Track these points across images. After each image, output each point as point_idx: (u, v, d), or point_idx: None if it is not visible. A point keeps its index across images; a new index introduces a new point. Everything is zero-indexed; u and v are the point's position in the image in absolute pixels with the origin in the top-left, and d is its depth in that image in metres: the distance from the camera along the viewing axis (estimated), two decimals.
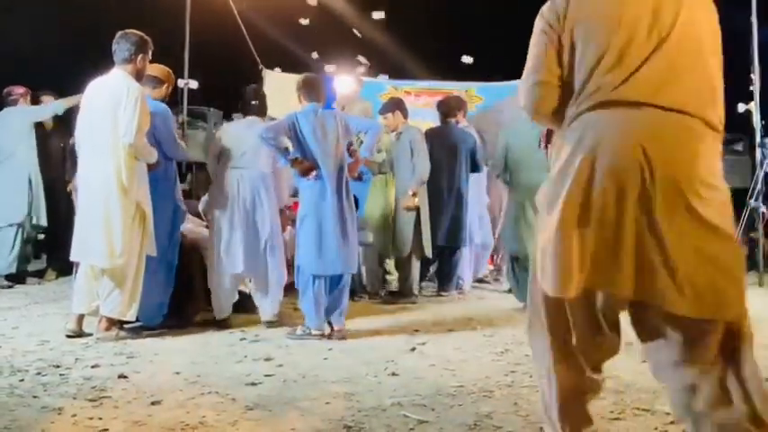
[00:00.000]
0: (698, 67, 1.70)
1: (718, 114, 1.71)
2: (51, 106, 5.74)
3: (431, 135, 5.61)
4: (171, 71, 4.17)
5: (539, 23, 1.86)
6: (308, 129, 3.83)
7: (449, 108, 5.84)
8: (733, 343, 1.65)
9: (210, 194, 4.30)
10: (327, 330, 3.82)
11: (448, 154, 5.57)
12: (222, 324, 4.06)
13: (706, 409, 1.66)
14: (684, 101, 1.66)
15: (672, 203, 1.61)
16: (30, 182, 5.64)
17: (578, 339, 1.82)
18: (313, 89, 3.99)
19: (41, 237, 6.30)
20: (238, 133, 4.22)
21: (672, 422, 2.46)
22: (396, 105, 5.43)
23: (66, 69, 5.91)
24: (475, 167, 5.79)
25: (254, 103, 4.36)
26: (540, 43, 1.82)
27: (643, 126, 1.65)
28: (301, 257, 3.82)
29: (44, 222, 5.77)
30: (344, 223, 3.82)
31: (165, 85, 4.07)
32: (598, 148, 1.67)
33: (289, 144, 3.94)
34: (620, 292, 1.70)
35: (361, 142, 4.40)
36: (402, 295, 5.18)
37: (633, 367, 3.27)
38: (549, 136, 2.00)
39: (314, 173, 3.79)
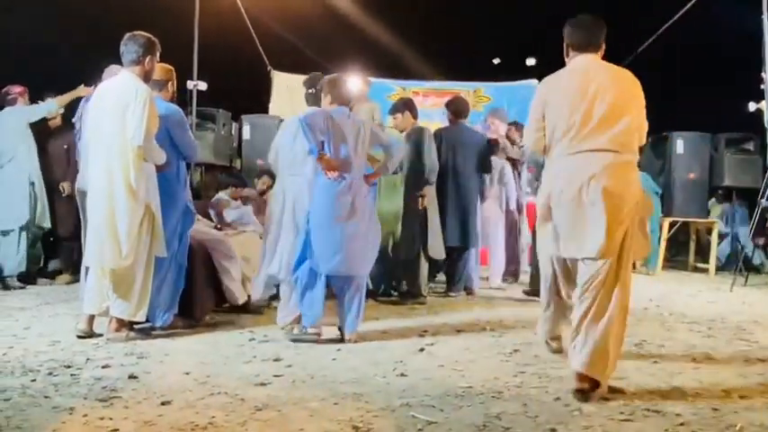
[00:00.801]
0: (626, 121, 2.88)
1: (640, 142, 2.99)
2: (44, 105, 5.72)
3: (440, 135, 5.60)
4: (171, 68, 4.09)
5: (536, 95, 3.10)
6: (341, 127, 3.83)
7: (458, 108, 5.82)
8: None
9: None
10: (322, 330, 3.79)
11: (457, 154, 5.57)
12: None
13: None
14: (620, 143, 2.86)
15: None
16: (32, 184, 5.67)
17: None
18: (344, 91, 3.98)
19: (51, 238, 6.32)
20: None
21: (682, 423, 2.45)
22: (405, 106, 5.41)
23: (73, 71, 5.92)
24: (485, 168, 5.80)
25: (310, 91, 4.25)
26: (536, 110, 3.04)
27: (596, 163, 2.83)
28: (309, 254, 3.79)
29: (47, 224, 5.79)
30: (358, 226, 3.81)
31: (170, 83, 4.04)
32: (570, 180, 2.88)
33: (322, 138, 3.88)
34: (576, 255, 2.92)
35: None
36: (411, 296, 5.18)
37: (643, 368, 3.27)
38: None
39: (337, 172, 3.78)
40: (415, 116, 5.35)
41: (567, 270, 3.03)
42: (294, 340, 3.72)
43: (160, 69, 3.93)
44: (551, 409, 2.59)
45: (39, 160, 5.79)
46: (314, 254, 3.75)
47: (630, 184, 2.85)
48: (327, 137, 3.80)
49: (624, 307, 2.85)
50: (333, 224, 3.74)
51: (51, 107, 5.68)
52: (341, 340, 3.76)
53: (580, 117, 2.84)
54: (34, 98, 5.90)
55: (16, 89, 5.81)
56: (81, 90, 5.49)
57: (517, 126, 6.52)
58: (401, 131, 5.29)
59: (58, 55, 8.16)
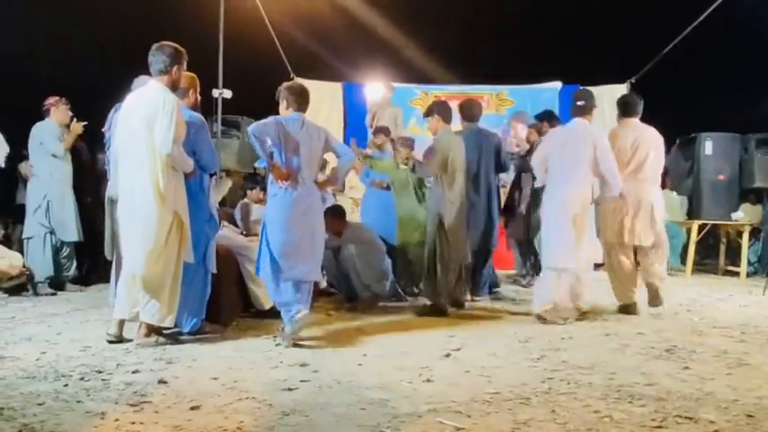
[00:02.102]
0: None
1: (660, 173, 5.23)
2: (53, 146, 5.74)
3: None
4: (194, 76, 4.13)
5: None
6: (292, 135, 3.90)
7: (472, 111, 5.81)
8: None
9: None
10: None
11: (477, 156, 5.55)
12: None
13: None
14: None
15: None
16: (48, 201, 5.77)
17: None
18: (301, 98, 4.04)
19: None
20: None
21: (716, 431, 2.40)
22: (434, 109, 5.23)
23: (99, 82, 6.05)
24: (502, 168, 5.82)
25: (579, 104, 4.98)
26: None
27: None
28: (265, 262, 3.91)
29: (70, 238, 5.88)
30: (311, 231, 3.92)
31: (191, 91, 4.06)
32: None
33: (272, 147, 3.94)
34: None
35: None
36: (434, 308, 4.95)
37: (674, 374, 3.21)
38: None
39: (289, 181, 3.85)
40: (445, 118, 5.16)
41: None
42: (295, 345, 3.77)
43: (182, 77, 4.00)
44: (580, 416, 2.56)
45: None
46: (272, 261, 3.86)
47: None
48: (278, 146, 3.88)
49: None
50: (287, 231, 3.85)
51: (59, 151, 5.77)
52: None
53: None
54: (75, 107, 6.00)
55: (50, 100, 5.90)
56: (77, 128, 5.75)
57: (537, 127, 6.46)
58: (433, 134, 5.18)
59: (91, 68, 8.34)
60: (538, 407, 2.67)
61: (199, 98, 4.17)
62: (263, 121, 3.95)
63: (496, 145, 5.72)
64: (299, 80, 10.55)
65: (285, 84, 4.13)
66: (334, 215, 5.19)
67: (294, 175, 3.88)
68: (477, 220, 5.50)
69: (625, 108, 5.22)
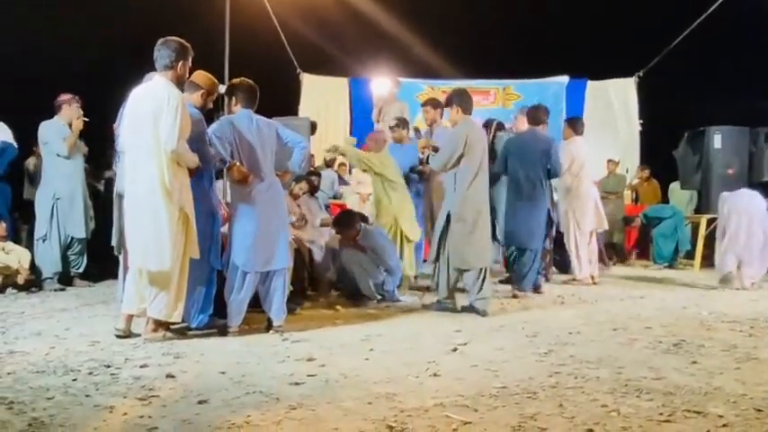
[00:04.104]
0: None
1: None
2: (58, 146, 5.77)
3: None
4: (215, 81, 4.19)
5: None
6: (245, 134, 3.94)
7: (537, 117, 5.98)
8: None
9: None
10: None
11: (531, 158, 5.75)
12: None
13: None
14: None
15: None
16: (57, 199, 5.82)
17: None
18: (251, 95, 4.08)
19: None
20: None
21: (725, 425, 2.39)
22: (453, 99, 4.92)
23: (105, 79, 6.07)
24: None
25: None
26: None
27: None
28: (235, 255, 3.94)
29: (78, 234, 5.93)
30: (275, 223, 3.97)
31: (201, 93, 4.05)
32: None
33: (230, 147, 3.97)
34: None
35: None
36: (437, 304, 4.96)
37: (682, 368, 3.20)
38: None
39: (250, 179, 3.91)
40: (464, 109, 4.85)
41: None
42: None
43: (203, 76, 4.07)
44: (588, 410, 2.55)
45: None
46: (238, 253, 3.92)
47: None
48: (234, 145, 3.93)
49: None
50: (253, 224, 3.91)
51: (63, 152, 5.81)
52: (269, 328, 4.00)
53: None
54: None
55: (63, 97, 5.92)
56: (78, 124, 5.79)
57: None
58: (453, 125, 4.96)
59: (90, 64, 8.36)
60: (545, 401, 2.66)
61: (209, 105, 4.19)
62: (218, 122, 4.04)
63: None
64: (306, 75, 10.57)
65: (234, 80, 4.20)
66: (346, 225, 5.21)
67: (253, 174, 3.93)
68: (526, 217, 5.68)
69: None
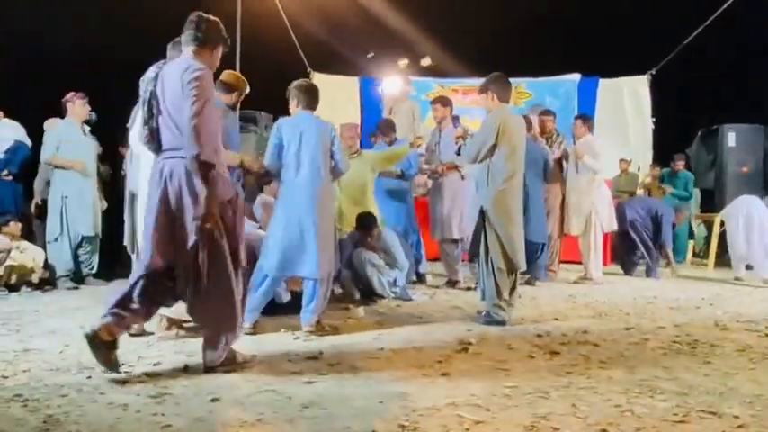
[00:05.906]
0: None
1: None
2: (48, 153, 5.86)
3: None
4: (244, 80, 4.40)
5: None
6: (306, 135, 3.97)
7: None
8: None
9: None
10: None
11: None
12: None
13: None
14: None
15: None
16: (65, 198, 5.88)
17: None
18: (315, 98, 4.12)
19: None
20: None
21: (740, 426, 2.37)
22: (489, 85, 4.49)
23: (118, 79, 6.11)
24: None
25: None
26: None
27: None
28: (261, 255, 3.97)
29: (86, 232, 5.98)
30: (307, 229, 3.89)
31: (235, 93, 4.36)
32: None
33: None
34: None
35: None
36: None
37: (696, 368, 3.17)
38: None
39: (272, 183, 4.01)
40: (501, 97, 4.43)
41: None
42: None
43: (234, 76, 4.32)
44: (601, 410, 2.54)
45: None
46: (262, 254, 3.98)
47: None
48: (296, 146, 4.00)
49: None
50: (280, 227, 3.95)
51: (46, 159, 5.90)
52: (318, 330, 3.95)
53: None
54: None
55: (65, 98, 5.98)
56: (77, 165, 5.88)
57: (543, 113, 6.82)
58: (488, 111, 4.52)
59: (103, 63, 8.41)
60: (558, 401, 2.65)
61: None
62: (280, 124, 4.07)
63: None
64: (316, 75, 10.59)
65: (294, 82, 4.18)
66: (368, 227, 5.23)
67: (309, 177, 3.95)
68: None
69: None
